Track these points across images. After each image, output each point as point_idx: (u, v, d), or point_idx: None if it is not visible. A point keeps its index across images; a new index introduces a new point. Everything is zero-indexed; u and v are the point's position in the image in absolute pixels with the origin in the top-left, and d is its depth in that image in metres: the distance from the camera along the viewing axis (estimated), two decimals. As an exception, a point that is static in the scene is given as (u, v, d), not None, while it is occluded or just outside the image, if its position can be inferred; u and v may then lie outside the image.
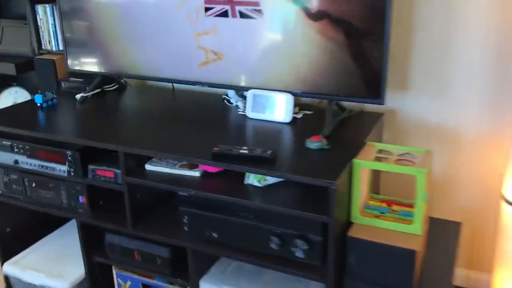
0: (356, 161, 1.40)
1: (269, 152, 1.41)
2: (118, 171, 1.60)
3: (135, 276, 1.78)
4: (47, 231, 2.10)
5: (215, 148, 1.45)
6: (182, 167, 1.59)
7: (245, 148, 1.43)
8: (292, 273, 1.43)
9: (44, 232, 2.09)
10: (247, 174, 1.50)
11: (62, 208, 1.76)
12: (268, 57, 1.69)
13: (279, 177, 1.43)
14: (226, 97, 1.94)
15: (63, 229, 2.12)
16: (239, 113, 1.82)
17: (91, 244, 1.81)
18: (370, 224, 1.44)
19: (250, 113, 1.75)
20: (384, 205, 1.52)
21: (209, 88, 2.04)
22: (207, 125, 1.70)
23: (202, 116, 1.80)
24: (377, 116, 1.75)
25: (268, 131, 1.64)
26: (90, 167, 1.64)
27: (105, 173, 1.62)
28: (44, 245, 2.02)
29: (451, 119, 1.75)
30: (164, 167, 1.60)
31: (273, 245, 1.43)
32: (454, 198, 1.83)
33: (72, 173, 1.67)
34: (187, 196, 1.57)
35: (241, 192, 1.46)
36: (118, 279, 1.82)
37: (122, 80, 2.19)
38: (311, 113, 1.79)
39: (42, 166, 1.72)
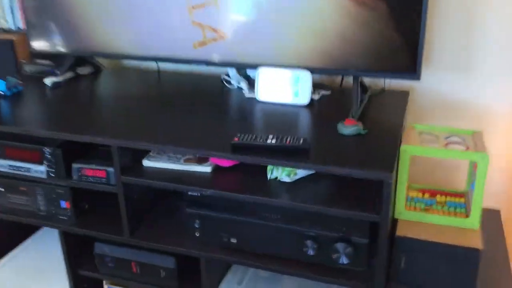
0: (405, 147, 1.19)
1: (301, 140, 1.18)
2: (111, 169, 1.32)
3: (132, 291, 1.52)
4: (16, 241, 1.79)
5: (235, 139, 1.20)
6: (188, 161, 1.34)
7: (271, 137, 1.19)
8: (332, 281, 1.21)
9: (13, 243, 1.78)
10: (270, 168, 1.27)
11: (39, 216, 1.47)
12: (283, 27, 1.45)
13: (319, 171, 1.20)
14: (226, 77, 1.68)
15: (35, 237, 1.82)
16: (246, 96, 1.57)
17: (76, 255, 1.53)
18: (417, 219, 1.24)
19: (259, 95, 1.51)
20: (427, 196, 1.33)
21: (202, 68, 1.78)
22: (209, 112, 1.45)
23: (200, 101, 1.54)
24: (403, 95, 1.55)
25: (284, 116, 1.40)
26: (75, 166, 1.36)
27: (95, 172, 1.34)
28: (15, 259, 1.71)
29: (481, 96, 1.57)
30: (165, 162, 1.34)
31: (307, 250, 1.21)
32: (488, 183, 1.65)
33: (52, 174, 1.38)
34: (198, 196, 1.32)
35: (265, 189, 1.23)
36: (111, 295, 1.55)
37: (96, 62, 1.88)
38: (328, 93, 1.57)
39: (13, 167, 1.41)
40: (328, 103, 1.50)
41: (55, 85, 1.70)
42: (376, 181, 1.13)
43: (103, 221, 1.45)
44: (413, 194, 1.33)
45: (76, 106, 1.51)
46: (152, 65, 1.87)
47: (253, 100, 1.52)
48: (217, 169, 1.32)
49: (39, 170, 1.38)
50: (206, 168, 1.31)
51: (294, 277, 1.43)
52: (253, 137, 1.20)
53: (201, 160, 1.34)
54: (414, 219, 1.24)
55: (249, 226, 1.26)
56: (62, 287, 1.56)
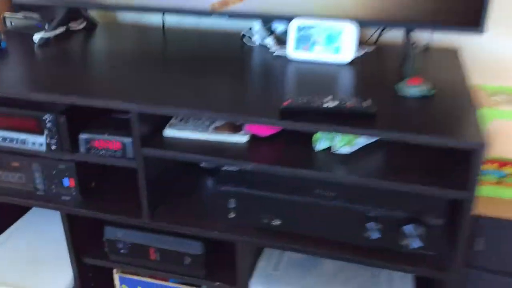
0: (488, 110, 1.01)
1: (365, 103, 0.98)
2: (128, 140, 1.10)
3: (148, 280, 1.32)
4: (4, 223, 1.55)
5: (285, 103, 0.99)
6: (219, 130, 1.13)
7: (329, 99, 0.99)
8: (400, 269, 1.04)
9: (4, 224, 1.55)
10: (317, 137, 1.07)
11: (37, 196, 1.24)
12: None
13: (393, 139, 1.01)
14: (247, 34, 1.46)
15: (26, 219, 1.58)
16: (274, 53, 1.36)
17: (81, 241, 1.32)
18: (491, 194, 1.07)
19: (291, 53, 1.30)
20: (495, 167, 1.16)
21: (212, 23, 1.55)
22: (235, 73, 1.23)
23: (220, 61, 1.32)
24: (452, 53, 1.36)
25: (325, 76, 1.20)
26: (83, 136, 1.13)
27: (107, 144, 1.12)
28: (5, 246, 1.48)
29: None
30: (191, 131, 1.12)
31: (369, 233, 1.03)
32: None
33: (53, 147, 1.15)
34: (233, 171, 1.11)
35: (315, 161, 1.04)
36: (123, 285, 1.34)
37: (90, 16, 1.62)
38: (372, 49, 1.37)
39: (5, 139, 1.17)
40: (373, 61, 1.30)
41: (44, 42, 1.45)
42: (456, 151, 0.95)
43: (114, 201, 1.23)
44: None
45: (76, 66, 1.26)
46: (154, 21, 1.62)
47: (284, 59, 1.31)
48: (254, 139, 1.11)
49: (37, 142, 1.15)
50: (241, 138, 1.11)
51: (334, 260, 1.26)
52: (306, 101, 0.99)
53: (234, 129, 1.13)
54: (487, 194, 1.07)
55: (297, 206, 1.07)
56: (64, 277, 1.34)
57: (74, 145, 1.14)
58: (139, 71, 1.22)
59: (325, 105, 0.97)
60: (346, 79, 1.19)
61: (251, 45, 1.44)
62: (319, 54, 1.27)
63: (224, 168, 1.13)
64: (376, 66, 1.27)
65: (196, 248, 1.20)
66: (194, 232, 1.16)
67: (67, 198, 1.22)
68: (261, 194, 1.09)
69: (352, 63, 1.27)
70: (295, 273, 1.23)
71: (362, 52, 1.33)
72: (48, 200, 1.23)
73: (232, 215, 1.13)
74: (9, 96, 1.11)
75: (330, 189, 1.06)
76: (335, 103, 0.98)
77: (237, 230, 1.13)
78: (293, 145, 1.09)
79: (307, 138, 1.09)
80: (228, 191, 1.11)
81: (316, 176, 1.01)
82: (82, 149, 1.13)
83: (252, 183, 1.10)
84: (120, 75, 1.20)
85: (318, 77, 1.19)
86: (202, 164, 1.36)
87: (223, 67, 1.26)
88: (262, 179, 1.10)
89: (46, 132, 1.13)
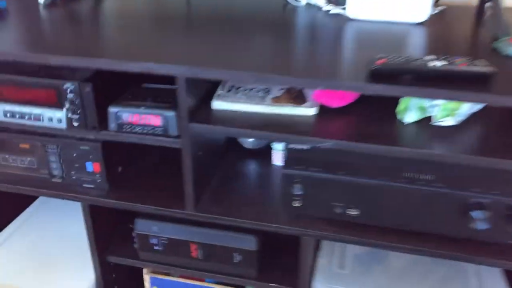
0: None
1: (479, 63, 0.78)
2: (170, 114, 0.89)
3: (183, 281, 1.12)
4: (6, 219, 1.33)
5: (378, 61, 0.79)
6: (277, 101, 0.92)
7: (431, 58, 0.79)
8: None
9: (5, 217, 1.32)
10: (403, 107, 0.88)
11: (52, 184, 1.03)
12: None
13: None
14: (291, -9, 1.24)
15: (30, 212, 1.36)
16: (330, 11, 1.15)
17: (105, 237, 1.11)
18: None
19: (351, 11, 1.09)
20: None
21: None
22: (287, 34, 1.02)
23: (264, 21, 1.11)
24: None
25: (399, 37, 0.99)
26: (113, 110, 0.91)
27: (145, 119, 0.90)
28: (8, 244, 1.25)
29: None
30: (245, 103, 0.92)
31: (476, 224, 0.85)
32: None
33: (76, 123, 0.93)
34: (301, 151, 0.91)
35: (407, 136, 0.84)
36: (154, 287, 1.14)
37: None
38: (444, 7, 1.17)
39: (14, 114, 0.95)
40: (448, 21, 1.11)
41: (51, 1, 1.22)
42: None
43: (146, 189, 1.03)
44: None
45: (92, 28, 1.04)
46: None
47: (342, 18, 1.11)
48: (322, 111, 0.91)
49: (55, 117, 0.93)
50: (308, 110, 0.90)
51: (403, 253, 1.08)
52: (405, 60, 0.79)
53: (296, 100, 0.93)
54: None
55: (379, 193, 0.88)
56: (82, 280, 1.13)
57: (102, 121, 0.93)
58: (169, 33, 1.01)
59: (430, 65, 0.77)
60: (427, 40, 0.99)
61: (296, 4, 1.23)
62: (386, 12, 1.07)
63: (290, 146, 0.93)
64: (456, 26, 1.07)
65: (249, 243, 1.00)
66: (250, 224, 0.95)
67: (91, 186, 1.01)
68: (335, 177, 0.89)
69: (425, 23, 1.07)
70: (362, 270, 1.05)
71: (435, 11, 1.13)
72: (67, 189, 1.02)
73: (297, 203, 0.93)
74: (21, 60, 0.88)
75: (423, 171, 0.87)
76: (442, 62, 0.78)
77: (303, 222, 0.93)
78: (372, 118, 0.89)
79: (388, 110, 0.90)
80: (294, 176, 0.91)
81: (409, 155, 0.82)
82: (112, 125, 0.92)
83: (323, 164, 0.90)
84: (149, 37, 0.98)
85: (390, 37, 0.99)
86: (246, 145, 1.16)
87: (269, 28, 1.05)
88: (335, 160, 0.90)
89: (67, 105, 0.91)
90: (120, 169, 1.05)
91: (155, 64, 0.83)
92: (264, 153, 1.16)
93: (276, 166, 1.13)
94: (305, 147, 0.91)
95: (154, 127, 0.90)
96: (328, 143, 0.83)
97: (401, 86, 0.76)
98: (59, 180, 1.02)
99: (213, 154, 1.07)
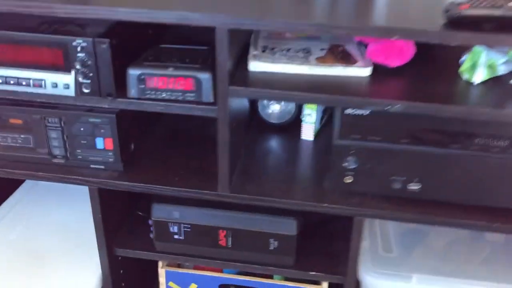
0: None
1: None
2: (205, 76, 0.75)
3: (204, 273, 0.98)
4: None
5: (461, 7, 0.68)
6: (322, 61, 0.80)
7: (519, 4, 0.69)
8: None
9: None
10: (469, 65, 0.77)
11: (53, 166, 0.86)
12: None
13: None
14: None
15: (17, 197, 1.17)
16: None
17: (113, 226, 0.96)
18: None
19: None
20: None
21: None
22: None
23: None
24: None
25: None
26: (133, 72, 0.76)
27: (173, 83, 0.75)
28: (4, 230, 1.07)
29: None
30: (287, 63, 0.79)
31: (558, 195, 0.75)
32: None
33: (86, 90, 0.77)
34: (357, 117, 0.79)
35: (480, 97, 0.74)
36: (170, 283, 1.00)
37: None
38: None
39: (8, 80, 0.78)
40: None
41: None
42: None
43: (166, 169, 0.88)
44: None
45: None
46: None
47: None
48: (375, 72, 0.80)
49: (61, 82, 0.76)
50: (362, 71, 0.78)
51: (443, 231, 0.99)
52: (491, 5, 0.68)
53: (343, 60, 0.80)
54: None
55: (446, 163, 0.77)
56: (86, 276, 0.97)
57: (119, 87, 0.77)
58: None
59: (520, 12, 0.67)
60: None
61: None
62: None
63: (346, 112, 0.80)
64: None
65: (289, 226, 0.87)
66: (294, 205, 0.83)
67: (100, 167, 0.85)
68: (396, 147, 0.78)
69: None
70: (409, 252, 0.94)
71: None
72: (71, 171, 0.86)
73: (349, 179, 0.81)
74: (18, 10, 0.71)
75: (497, 138, 0.77)
76: (534, 8, 0.67)
77: (356, 200, 0.82)
78: (432, 79, 0.79)
79: (448, 70, 0.79)
80: (348, 146, 0.79)
81: (487, 117, 0.71)
82: (132, 91, 0.77)
83: (383, 132, 0.78)
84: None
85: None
86: (271, 119, 1.03)
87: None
88: (396, 127, 0.79)
89: (77, 66, 0.75)
90: (132, 146, 0.90)
91: (191, 13, 0.69)
92: (289, 128, 1.03)
93: (306, 140, 1.01)
94: (364, 112, 0.78)
95: (184, 92, 0.76)
96: (397, 106, 0.71)
97: (493, 35, 0.66)
98: (62, 161, 0.86)
99: (241, 128, 0.93)
